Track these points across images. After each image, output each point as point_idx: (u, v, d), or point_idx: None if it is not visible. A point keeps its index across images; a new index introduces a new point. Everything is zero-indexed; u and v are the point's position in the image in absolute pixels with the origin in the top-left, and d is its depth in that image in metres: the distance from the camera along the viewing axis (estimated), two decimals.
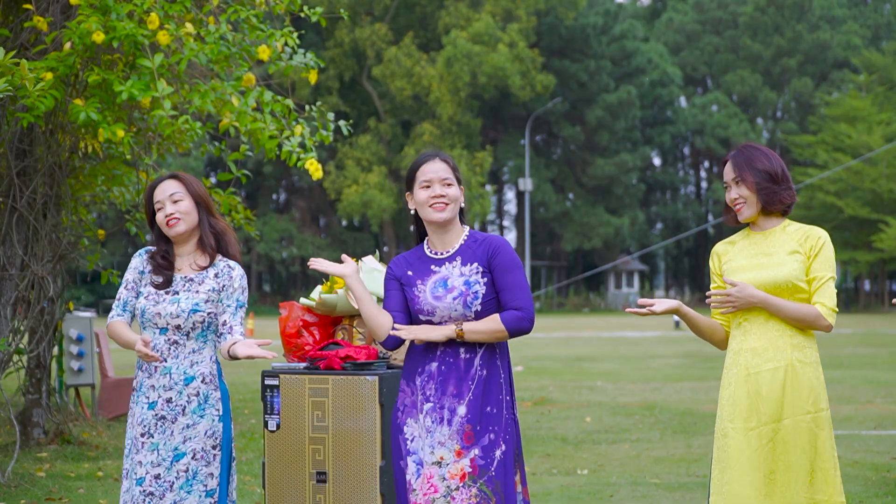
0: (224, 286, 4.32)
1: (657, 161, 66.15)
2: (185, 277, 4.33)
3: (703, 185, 66.30)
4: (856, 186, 49.52)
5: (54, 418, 9.94)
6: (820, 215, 49.80)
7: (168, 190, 4.33)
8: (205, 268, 4.34)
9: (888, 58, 54.15)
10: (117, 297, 4.39)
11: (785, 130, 58.90)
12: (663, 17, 64.93)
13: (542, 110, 54.32)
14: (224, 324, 4.29)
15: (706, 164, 65.74)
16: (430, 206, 3.99)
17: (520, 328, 3.90)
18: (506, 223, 65.50)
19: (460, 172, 4.11)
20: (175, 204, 4.31)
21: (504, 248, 4.00)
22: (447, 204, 3.99)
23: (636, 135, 59.26)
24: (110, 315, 4.37)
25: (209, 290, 4.29)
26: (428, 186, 4.01)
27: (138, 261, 4.41)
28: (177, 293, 4.28)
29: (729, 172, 4.18)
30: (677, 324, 35.69)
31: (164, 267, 4.35)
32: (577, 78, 56.27)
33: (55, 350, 10.98)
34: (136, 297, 4.37)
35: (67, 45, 6.76)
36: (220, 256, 4.40)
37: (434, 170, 4.02)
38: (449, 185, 4.02)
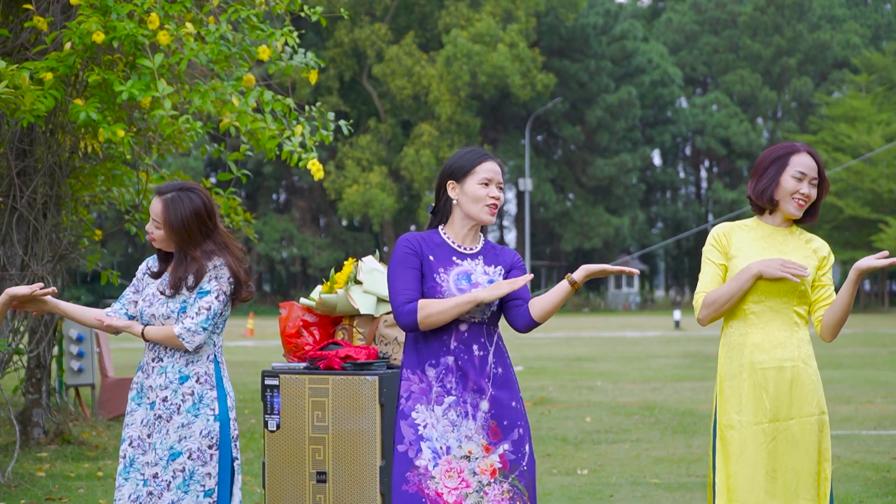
0: (201, 277, 4.27)
1: (657, 161, 66.20)
2: None
3: (703, 185, 66.32)
4: (856, 186, 49.54)
5: (54, 418, 9.94)
6: (820, 215, 49.54)
7: (155, 211, 4.28)
8: (191, 287, 4.30)
9: (888, 58, 54.20)
10: (125, 293, 4.43)
11: (785, 130, 58.92)
12: (662, 17, 64.97)
13: (542, 110, 54.33)
14: (187, 314, 4.22)
15: (706, 163, 65.76)
16: (487, 205, 3.98)
17: None
18: (506, 223, 65.49)
19: None
20: (155, 229, 4.29)
21: (521, 260, 4.11)
22: (497, 207, 4.02)
23: (636, 135, 59.28)
24: (110, 310, 4.40)
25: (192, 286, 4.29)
26: (487, 185, 3.98)
27: (144, 264, 4.44)
28: (165, 293, 4.29)
29: (813, 169, 4.11)
30: (677, 324, 35.69)
31: (161, 259, 4.38)
32: (577, 78, 56.30)
33: (55, 350, 10.98)
34: (137, 294, 4.40)
35: (67, 45, 6.76)
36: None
37: (496, 171, 4.01)
38: (501, 189, 4.04)
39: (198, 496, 4.21)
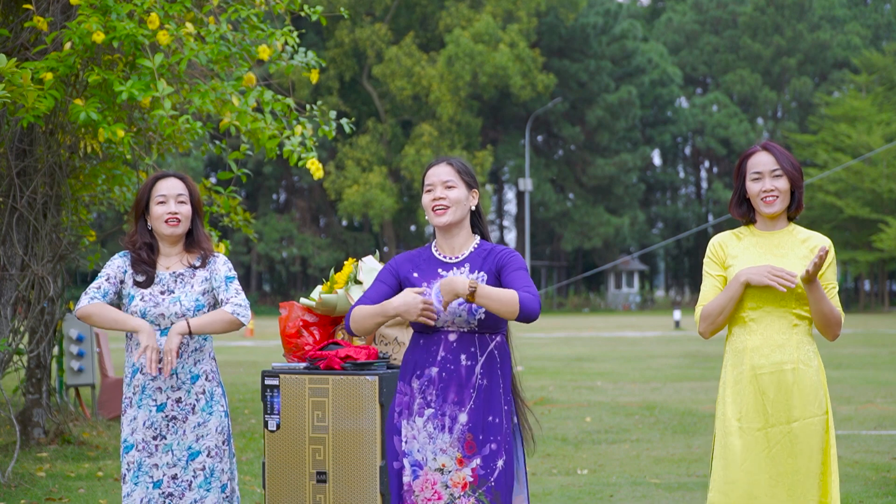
0: (212, 271, 4.37)
1: (657, 161, 66.20)
2: (175, 273, 4.33)
3: (703, 185, 66.32)
4: (856, 186, 49.54)
5: (54, 418, 9.94)
6: (820, 215, 49.84)
7: (176, 189, 4.35)
8: (198, 266, 4.36)
9: (888, 58, 54.19)
10: (95, 286, 4.28)
11: (785, 130, 58.93)
12: (662, 17, 64.97)
13: (542, 110, 54.33)
14: (221, 301, 4.33)
15: (706, 164, 65.76)
16: (432, 209, 3.99)
17: (531, 309, 3.77)
18: (506, 223, 65.52)
19: (473, 176, 4.06)
20: (179, 205, 4.34)
21: (513, 255, 3.99)
22: (447, 207, 3.97)
23: (636, 135, 59.29)
24: (86, 299, 4.22)
25: (203, 281, 4.33)
26: (431, 190, 4.00)
27: (121, 260, 4.38)
28: (172, 292, 4.28)
29: (769, 163, 4.06)
30: (677, 324, 35.68)
31: (146, 263, 4.34)
32: (577, 78, 56.30)
33: (55, 350, 10.98)
34: (117, 293, 4.35)
35: (67, 45, 6.75)
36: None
37: (437, 173, 4.01)
38: (450, 187, 3.99)
39: (218, 493, 4.28)
